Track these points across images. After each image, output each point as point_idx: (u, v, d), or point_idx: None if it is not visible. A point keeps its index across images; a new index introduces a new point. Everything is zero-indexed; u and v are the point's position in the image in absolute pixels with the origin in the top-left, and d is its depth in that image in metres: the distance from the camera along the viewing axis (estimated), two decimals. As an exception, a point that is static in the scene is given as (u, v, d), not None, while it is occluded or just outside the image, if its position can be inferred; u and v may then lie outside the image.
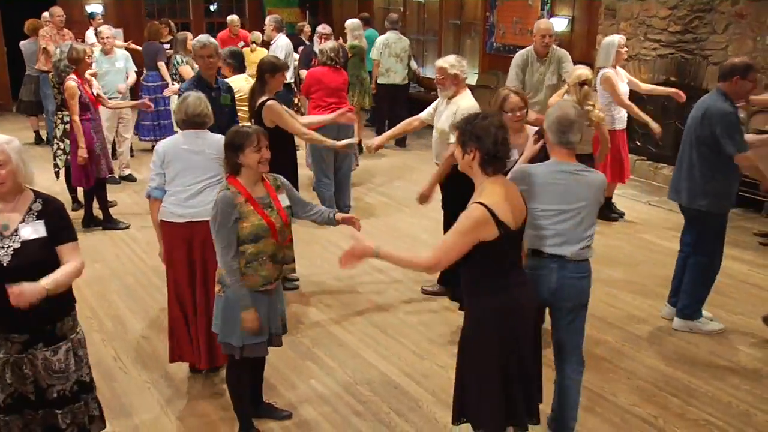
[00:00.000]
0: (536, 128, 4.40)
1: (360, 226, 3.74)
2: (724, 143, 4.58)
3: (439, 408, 4.12)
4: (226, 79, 5.85)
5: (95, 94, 6.86)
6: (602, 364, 4.51)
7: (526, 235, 3.32)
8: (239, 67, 6.34)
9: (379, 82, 10.34)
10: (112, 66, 8.40)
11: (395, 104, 10.42)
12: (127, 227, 7.00)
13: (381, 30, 11.11)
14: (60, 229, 3.03)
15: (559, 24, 9.80)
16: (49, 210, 3.03)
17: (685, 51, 8.20)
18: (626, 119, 6.90)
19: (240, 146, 3.46)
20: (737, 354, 4.75)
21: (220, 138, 4.09)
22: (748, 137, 5.08)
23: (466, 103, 5.00)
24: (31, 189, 3.08)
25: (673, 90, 6.91)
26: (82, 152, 6.54)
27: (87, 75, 6.91)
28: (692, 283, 4.98)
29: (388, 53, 10.24)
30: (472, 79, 11.64)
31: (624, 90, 6.71)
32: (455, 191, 5.46)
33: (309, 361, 4.61)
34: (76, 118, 6.55)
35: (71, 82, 6.53)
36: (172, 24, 10.72)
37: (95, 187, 6.86)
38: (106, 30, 8.54)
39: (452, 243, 3.00)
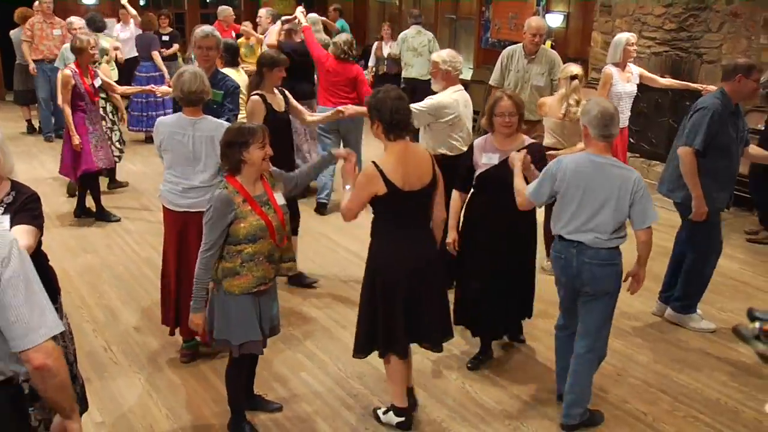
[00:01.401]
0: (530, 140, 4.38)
1: (352, 159, 3.81)
2: (686, 131, 4.62)
3: (430, 402, 4.13)
4: None
5: (97, 85, 6.80)
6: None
7: (554, 218, 3.77)
8: (232, 61, 6.29)
9: (403, 76, 10.35)
10: None
11: (415, 98, 10.42)
12: (118, 220, 6.97)
13: (373, 23, 11.07)
14: (19, 213, 2.88)
15: (555, 20, 9.80)
16: (18, 201, 2.90)
17: (679, 49, 8.22)
18: (622, 119, 6.71)
19: (245, 143, 3.36)
20: (727, 351, 4.77)
21: (216, 123, 4.18)
22: (753, 149, 5.01)
23: (439, 96, 5.06)
24: (12, 180, 2.97)
25: (693, 86, 6.77)
26: (75, 140, 6.52)
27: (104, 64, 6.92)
28: (683, 277, 5.00)
29: (406, 47, 10.21)
30: (467, 74, 11.66)
31: (624, 90, 6.58)
32: None
33: (300, 354, 4.61)
34: (66, 106, 6.54)
35: (66, 70, 6.53)
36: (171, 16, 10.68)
37: (89, 178, 6.83)
38: (76, 21, 8.26)
39: (353, 195, 3.59)
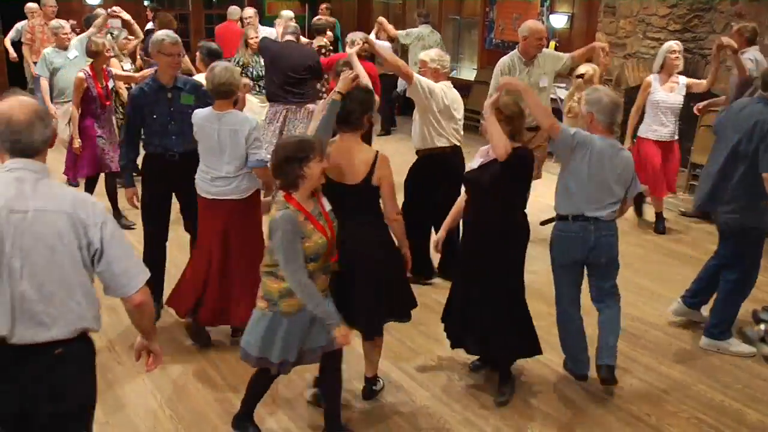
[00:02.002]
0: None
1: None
2: (763, 157, 4.33)
3: (433, 402, 4.13)
4: (196, 75, 5.72)
5: (111, 87, 6.78)
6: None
7: (566, 202, 4.02)
8: None
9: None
10: (66, 60, 7.61)
11: None
12: (132, 225, 6.87)
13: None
14: None
15: (559, 21, 9.79)
16: None
17: (684, 50, 8.19)
18: (662, 131, 6.62)
19: (306, 157, 3.24)
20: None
21: (241, 117, 4.35)
22: None
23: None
24: None
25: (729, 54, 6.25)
26: (75, 143, 6.56)
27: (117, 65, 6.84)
28: (724, 302, 4.73)
29: (422, 46, 10.21)
30: (471, 75, 11.66)
31: (664, 99, 6.47)
32: (420, 188, 5.44)
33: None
34: (75, 109, 6.54)
35: (80, 73, 6.49)
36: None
37: (104, 180, 6.86)
38: (66, 25, 7.91)
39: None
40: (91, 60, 6.59)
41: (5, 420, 2.53)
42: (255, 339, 3.44)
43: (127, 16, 7.40)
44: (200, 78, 5.64)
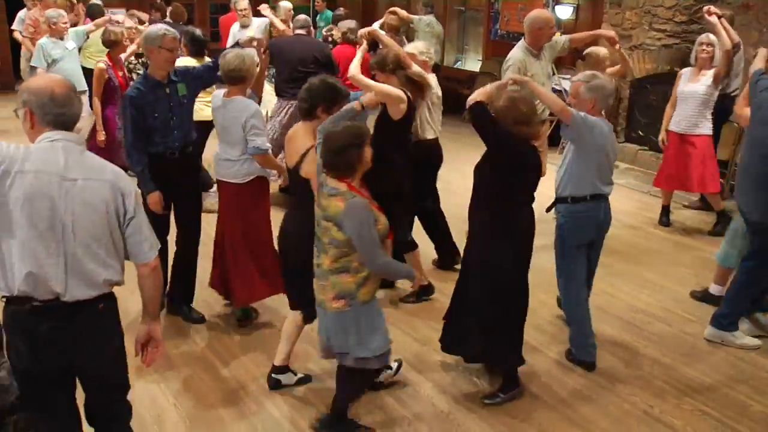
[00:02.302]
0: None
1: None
2: None
3: (436, 393, 4.14)
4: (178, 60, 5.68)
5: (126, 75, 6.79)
6: (600, 354, 4.50)
7: (583, 183, 4.14)
8: (197, 52, 6.27)
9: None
10: (65, 51, 7.57)
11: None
12: None
13: (382, 14, 11.02)
14: None
15: (564, 12, 9.75)
16: None
17: (690, 42, 8.13)
18: (681, 123, 6.46)
19: (363, 142, 3.23)
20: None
21: (243, 105, 4.43)
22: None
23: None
24: None
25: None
26: (100, 135, 6.53)
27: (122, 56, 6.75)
28: (737, 292, 4.66)
29: (430, 35, 10.19)
30: (476, 66, 11.63)
31: (683, 89, 6.39)
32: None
33: (306, 344, 4.60)
34: (97, 101, 6.50)
35: (101, 64, 6.45)
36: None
37: None
38: (65, 14, 7.78)
39: None
40: (107, 50, 6.53)
41: (54, 376, 2.77)
42: (344, 336, 3.40)
43: (130, 23, 7.40)
44: (183, 62, 5.68)
